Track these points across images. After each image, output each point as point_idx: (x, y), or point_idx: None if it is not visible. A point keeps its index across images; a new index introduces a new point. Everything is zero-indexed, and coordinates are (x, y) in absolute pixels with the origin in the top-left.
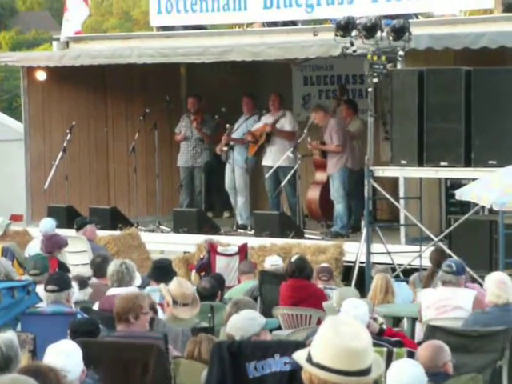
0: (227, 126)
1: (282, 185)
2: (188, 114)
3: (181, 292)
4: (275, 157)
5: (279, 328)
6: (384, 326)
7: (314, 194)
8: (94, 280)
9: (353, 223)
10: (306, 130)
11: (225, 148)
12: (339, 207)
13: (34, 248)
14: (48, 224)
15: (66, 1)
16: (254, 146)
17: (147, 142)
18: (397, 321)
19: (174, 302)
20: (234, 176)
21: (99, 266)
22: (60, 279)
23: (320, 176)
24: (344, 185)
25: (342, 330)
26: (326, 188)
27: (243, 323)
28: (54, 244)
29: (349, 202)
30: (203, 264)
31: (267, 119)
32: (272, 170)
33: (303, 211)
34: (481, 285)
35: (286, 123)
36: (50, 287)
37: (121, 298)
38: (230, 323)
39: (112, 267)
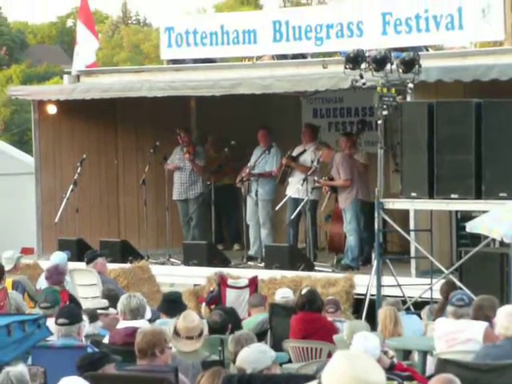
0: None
1: (293, 216)
2: (182, 147)
3: (184, 325)
4: (293, 188)
5: (289, 361)
6: (395, 360)
7: (338, 227)
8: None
9: (365, 255)
10: (315, 163)
11: (246, 182)
12: (351, 239)
13: (44, 281)
14: (58, 257)
15: (76, 34)
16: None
17: (157, 175)
18: (407, 354)
19: (178, 335)
20: (257, 209)
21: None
22: (71, 312)
23: None
24: (356, 217)
25: (358, 362)
26: None
27: (255, 356)
28: (58, 274)
29: (361, 235)
30: (213, 297)
31: (297, 149)
32: (285, 200)
33: (316, 243)
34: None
35: (308, 157)
36: (60, 320)
37: (146, 332)
38: (241, 356)
39: (122, 300)
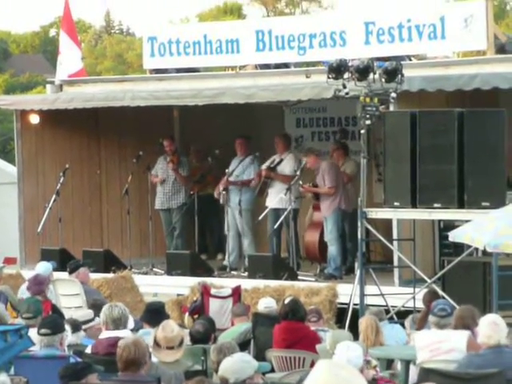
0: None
1: (276, 226)
2: (165, 156)
3: (163, 335)
4: (274, 198)
5: (272, 371)
6: (378, 369)
7: (312, 235)
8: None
9: (349, 265)
10: (298, 172)
11: (223, 192)
12: (332, 249)
13: (26, 291)
14: (42, 267)
15: (59, 44)
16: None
17: (140, 185)
18: (390, 363)
19: (158, 346)
20: (235, 219)
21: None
22: (53, 323)
23: (318, 217)
24: (338, 226)
25: (340, 372)
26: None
27: (238, 366)
28: (41, 283)
29: (343, 244)
30: (196, 306)
31: (274, 160)
32: (266, 211)
33: (299, 252)
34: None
35: (287, 166)
36: (43, 331)
37: (128, 345)
38: (224, 366)
39: (104, 310)
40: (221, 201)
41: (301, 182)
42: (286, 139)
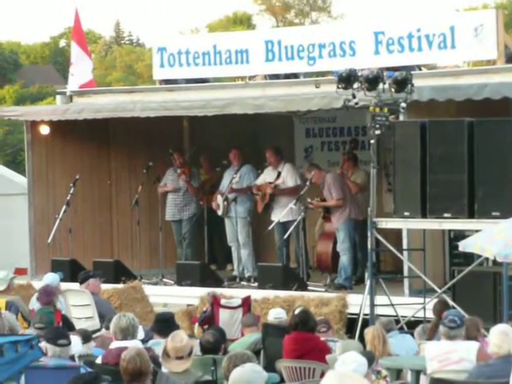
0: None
1: (285, 236)
2: (175, 168)
3: (172, 346)
4: (281, 212)
5: (282, 381)
6: (388, 379)
7: (325, 246)
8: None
9: (359, 275)
10: (308, 183)
11: (224, 202)
12: (344, 259)
13: (36, 301)
14: (49, 278)
15: (70, 55)
16: (261, 201)
17: (150, 195)
18: (400, 373)
19: (168, 356)
20: (236, 229)
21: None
22: (64, 333)
23: (330, 227)
24: (350, 237)
25: (348, 382)
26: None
27: (250, 376)
28: (50, 294)
29: (355, 254)
30: (206, 317)
31: (269, 172)
32: (273, 225)
33: (308, 263)
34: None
35: (288, 178)
36: (62, 341)
37: (133, 356)
38: (235, 376)
39: (114, 321)
40: (219, 213)
41: (309, 200)
42: (278, 152)
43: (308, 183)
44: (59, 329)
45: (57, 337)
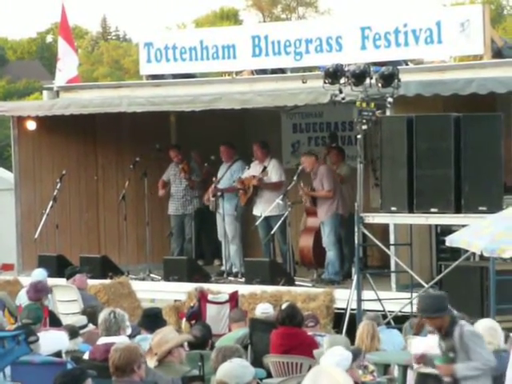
0: (213, 179)
1: (273, 232)
2: (176, 163)
3: (157, 343)
4: (264, 206)
5: (269, 376)
6: (375, 374)
7: (306, 240)
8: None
9: (346, 270)
10: (295, 178)
11: (212, 198)
12: (331, 254)
13: (24, 297)
14: (40, 274)
15: (57, 51)
16: (244, 195)
17: (137, 191)
18: (387, 368)
19: (151, 352)
20: (224, 224)
21: (91, 316)
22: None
23: (312, 222)
24: (335, 231)
25: (321, 381)
26: (319, 234)
27: (239, 371)
28: (40, 290)
29: (341, 249)
30: (194, 312)
31: (254, 167)
32: (260, 220)
33: (294, 258)
34: None
35: (273, 173)
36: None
37: (123, 349)
38: (223, 370)
39: (102, 316)
40: (210, 207)
41: (302, 184)
42: (265, 146)
43: (295, 177)
44: (27, 326)
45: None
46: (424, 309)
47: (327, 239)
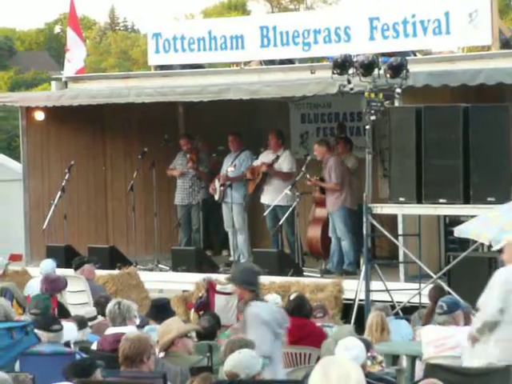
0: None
1: (281, 223)
2: (184, 153)
3: (160, 333)
4: (273, 195)
5: None
6: (384, 365)
7: (315, 231)
8: (99, 318)
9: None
10: (303, 168)
11: (221, 188)
12: (345, 244)
13: (33, 287)
14: (49, 265)
15: (66, 41)
16: (253, 183)
17: (145, 181)
18: (396, 359)
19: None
20: (232, 214)
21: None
22: (56, 319)
23: (320, 213)
24: (346, 222)
25: (331, 372)
26: (327, 225)
27: (249, 361)
28: (54, 287)
29: (353, 239)
30: (202, 303)
31: (267, 155)
32: (269, 210)
33: (302, 249)
34: None
35: (285, 164)
36: (56, 327)
37: (133, 339)
38: (233, 361)
39: (108, 307)
40: (216, 197)
41: (308, 176)
42: (280, 136)
43: (304, 168)
44: (49, 315)
45: (49, 323)
46: (232, 277)
47: (339, 231)
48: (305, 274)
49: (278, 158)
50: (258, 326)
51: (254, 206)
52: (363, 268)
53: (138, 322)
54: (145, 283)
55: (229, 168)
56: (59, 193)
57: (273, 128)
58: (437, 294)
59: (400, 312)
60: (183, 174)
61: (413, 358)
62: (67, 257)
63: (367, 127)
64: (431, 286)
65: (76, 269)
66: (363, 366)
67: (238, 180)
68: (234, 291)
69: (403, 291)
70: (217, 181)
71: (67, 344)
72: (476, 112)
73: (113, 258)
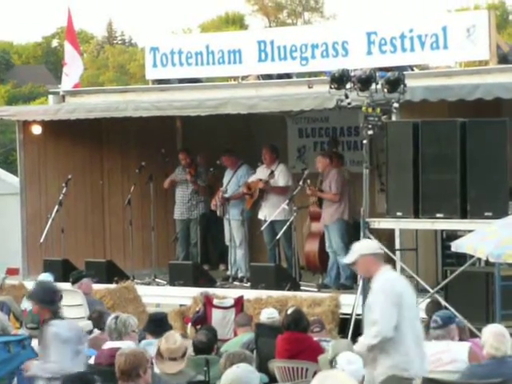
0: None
1: (278, 237)
2: (183, 167)
3: (166, 347)
4: (270, 210)
5: (275, 381)
6: None
7: (312, 245)
8: (96, 332)
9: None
10: (301, 183)
11: (221, 206)
12: (341, 258)
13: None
14: (46, 279)
15: (64, 55)
16: (250, 198)
17: (143, 195)
18: None
19: (161, 357)
20: (231, 230)
21: (97, 321)
22: None
23: (316, 227)
24: (342, 235)
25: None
26: (324, 239)
27: (247, 377)
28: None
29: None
30: (199, 317)
31: (262, 171)
32: (266, 225)
33: (299, 263)
34: (477, 337)
35: (280, 178)
36: None
37: (128, 354)
38: (231, 375)
39: (108, 321)
40: (218, 213)
41: (309, 182)
42: (274, 151)
43: (301, 182)
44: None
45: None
46: (30, 296)
47: (335, 245)
48: (302, 288)
49: (272, 172)
50: (59, 345)
51: (252, 221)
52: (360, 282)
53: (137, 336)
54: (142, 297)
55: (222, 189)
56: (56, 207)
57: (266, 143)
58: (434, 308)
59: None
60: (179, 182)
61: None
62: (64, 271)
63: (364, 142)
64: (428, 300)
65: (73, 283)
66: (361, 382)
67: (236, 198)
68: (34, 309)
69: None
70: (217, 197)
71: None
72: (473, 127)
73: (110, 272)
